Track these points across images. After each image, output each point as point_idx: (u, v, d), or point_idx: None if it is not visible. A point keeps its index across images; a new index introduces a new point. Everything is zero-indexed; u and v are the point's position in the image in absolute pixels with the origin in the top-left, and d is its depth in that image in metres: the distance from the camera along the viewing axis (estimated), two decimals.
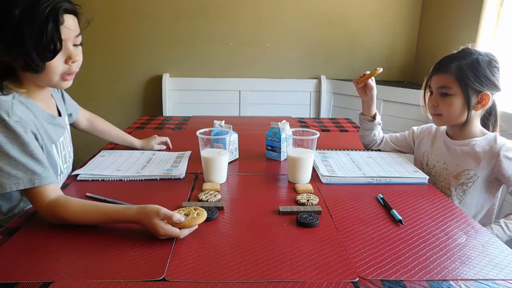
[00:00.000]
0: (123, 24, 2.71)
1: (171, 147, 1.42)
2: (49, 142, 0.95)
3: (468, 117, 1.10)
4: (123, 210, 0.81)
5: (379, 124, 1.35)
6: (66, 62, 0.88)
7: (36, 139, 0.88)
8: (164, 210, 0.77)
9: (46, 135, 0.94)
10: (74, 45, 0.89)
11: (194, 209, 0.83)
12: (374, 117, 1.34)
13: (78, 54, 0.90)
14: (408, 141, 1.37)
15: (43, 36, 0.80)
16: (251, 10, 2.72)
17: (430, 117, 1.20)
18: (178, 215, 0.78)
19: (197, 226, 0.81)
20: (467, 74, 1.06)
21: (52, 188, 0.86)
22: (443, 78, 1.10)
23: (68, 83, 0.93)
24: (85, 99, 2.79)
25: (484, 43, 2.07)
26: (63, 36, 0.83)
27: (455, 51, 1.13)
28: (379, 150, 1.39)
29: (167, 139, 1.43)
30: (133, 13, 2.70)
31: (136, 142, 1.38)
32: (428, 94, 1.19)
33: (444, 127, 1.24)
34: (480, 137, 1.13)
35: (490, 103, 1.09)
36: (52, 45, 0.82)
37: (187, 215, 0.81)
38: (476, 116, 1.13)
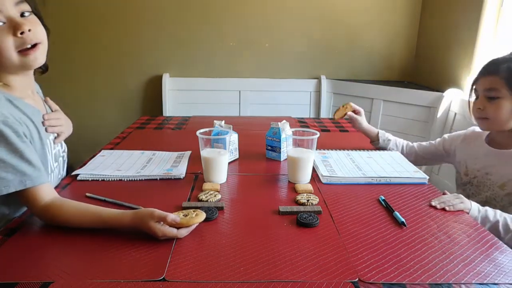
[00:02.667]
0: (123, 24, 2.71)
1: None
2: (38, 138, 0.92)
3: None
4: (119, 217, 0.79)
5: (389, 140, 1.38)
6: (14, 34, 0.80)
7: (25, 136, 0.84)
8: (158, 212, 0.76)
9: (35, 130, 0.90)
10: (22, 16, 0.82)
11: (193, 211, 0.83)
12: (377, 138, 1.38)
13: (25, 23, 0.81)
14: (439, 149, 1.33)
15: None
16: (251, 10, 2.72)
17: (475, 121, 1.15)
18: (172, 215, 0.77)
19: (195, 226, 0.81)
20: None
21: (46, 189, 0.84)
22: (491, 80, 1.07)
23: (35, 58, 0.85)
24: (85, 99, 2.81)
25: (484, 43, 2.07)
26: None
27: (504, 55, 1.09)
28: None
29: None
30: (133, 14, 2.69)
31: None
32: (473, 98, 1.15)
33: (482, 134, 1.20)
34: None
35: None
36: None
37: (185, 216, 0.81)
38: None
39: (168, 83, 2.76)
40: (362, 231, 0.83)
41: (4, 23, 0.79)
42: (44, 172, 0.85)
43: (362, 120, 1.40)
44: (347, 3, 2.72)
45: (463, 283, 0.66)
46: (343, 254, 0.74)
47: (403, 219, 0.87)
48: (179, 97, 2.81)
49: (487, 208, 0.99)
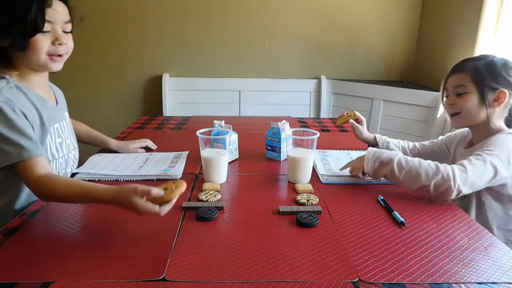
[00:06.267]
0: (123, 24, 2.71)
1: (154, 147, 1.40)
2: (40, 124, 0.98)
3: (487, 115, 1.09)
4: (103, 191, 0.81)
5: (388, 142, 1.40)
6: (53, 43, 0.95)
7: (26, 118, 0.93)
8: (141, 187, 0.76)
9: (37, 116, 0.98)
10: (64, 31, 0.97)
11: (173, 182, 0.80)
12: (376, 142, 1.40)
13: (65, 38, 0.97)
14: (442, 148, 1.35)
15: (26, 14, 0.88)
16: (251, 10, 2.72)
17: (450, 120, 1.19)
18: (156, 189, 0.75)
19: (176, 199, 0.79)
20: (482, 72, 1.07)
21: (41, 162, 0.90)
22: (459, 77, 1.12)
23: (57, 65, 0.99)
24: (85, 99, 2.81)
25: (484, 43, 2.07)
26: (49, 18, 0.92)
27: (472, 56, 1.15)
28: None
29: (147, 141, 1.40)
30: (134, 13, 2.69)
31: (111, 142, 1.36)
32: (445, 98, 1.19)
33: (468, 135, 1.22)
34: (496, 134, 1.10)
35: (508, 101, 1.07)
36: (35, 24, 0.89)
37: (165, 189, 0.78)
38: (496, 116, 1.10)
39: (168, 83, 2.76)
40: (362, 231, 0.83)
41: (49, 32, 0.94)
42: (41, 147, 0.92)
43: (364, 129, 1.43)
44: (347, 3, 2.72)
45: (463, 283, 0.66)
46: (343, 254, 0.74)
47: (402, 219, 0.87)
48: (179, 97, 2.81)
49: (384, 150, 1.06)
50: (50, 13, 0.92)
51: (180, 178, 0.84)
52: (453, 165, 0.96)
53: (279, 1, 2.71)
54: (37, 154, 0.89)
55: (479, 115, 1.10)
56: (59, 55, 0.98)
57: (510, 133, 1.08)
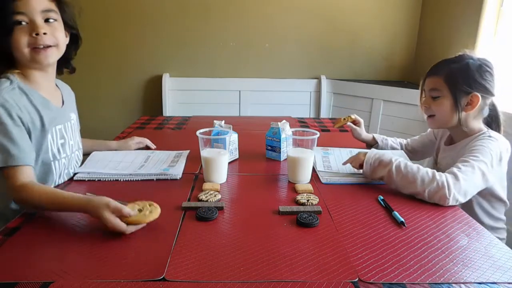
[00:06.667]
0: (124, 24, 2.71)
1: (153, 147, 1.40)
2: (40, 125, 0.99)
3: (460, 119, 1.12)
4: (77, 201, 0.83)
5: (386, 139, 1.44)
6: (30, 34, 0.93)
7: (22, 122, 0.93)
8: (114, 203, 0.78)
9: (38, 118, 0.98)
10: (47, 21, 0.95)
11: (149, 205, 0.82)
12: (375, 141, 1.43)
13: (44, 28, 0.94)
14: (431, 139, 1.38)
15: None
16: (251, 10, 2.72)
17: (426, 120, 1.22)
18: (127, 209, 0.78)
19: (145, 224, 0.81)
20: (456, 76, 1.10)
21: (26, 171, 0.91)
22: (434, 81, 1.14)
23: (45, 57, 0.96)
24: (85, 99, 2.80)
25: (484, 43, 2.07)
26: (21, 9, 0.90)
27: (451, 57, 1.16)
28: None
29: (146, 140, 1.40)
30: (134, 13, 2.69)
31: (112, 144, 1.36)
32: (423, 97, 1.22)
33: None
34: (473, 135, 1.13)
35: (482, 104, 1.10)
36: (4, 19, 0.89)
37: (140, 210, 0.80)
38: (471, 118, 1.13)
39: (168, 83, 2.76)
40: (362, 231, 0.83)
41: (26, 23, 0.92)
42: (30, 155, 0.93)
43: (362, 131, 1.45)
44: (347, 3, 2.72)
45: (463, 283, 0.66)
46: (343, 254, 0.74)
47: (402, 219, 0.87)
48: (179, 97, 2.80)
49: (385, 152, 1.08)
50: (20, 4, 0.90)
51: (155, 207, 0.84)
52: (446, 174, 0.98)
53: (279, 1, 2.71)
54: (23, 163, 0.90)
55: (452, 119, 1.13)
56: (46, 47, 0.95)
57: (490, 136, 1.09)
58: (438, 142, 1.32)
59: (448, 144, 1.24)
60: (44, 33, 0.94)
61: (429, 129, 1.41)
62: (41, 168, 1.01)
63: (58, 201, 0.85)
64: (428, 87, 1.16)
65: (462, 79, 1.09)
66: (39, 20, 0.93)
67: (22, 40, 0.93)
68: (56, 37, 0.97)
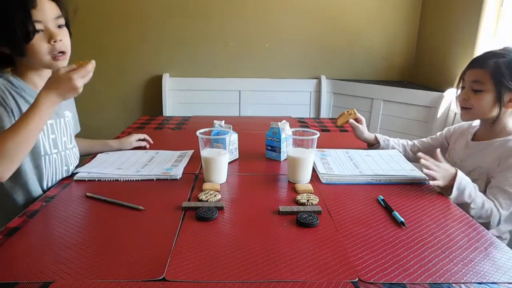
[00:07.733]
0: (124, 24, 2.71)
1: (151, 142, 1.43)
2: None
3: (499, 114, 1.10)
4: (33, 112, 0.87)
5: (388, 140, 1.42)
6: (49, 41, 0.97)
7: (5, 103, 0.96)
8: (63, 69, 0.89)
9: (24, 106, 0.99)
10: (58, 27, 0.99)
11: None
12: (377, 141, 1.41)
13: (59, 34, 0.99)
14: (443, 143, 1.36)
15: (14, 24, 0.91)
16: (251, 10, 2.72)
17: (459, 111, 1.20)
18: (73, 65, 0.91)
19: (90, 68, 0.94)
20: (503, 71, 1.06)
21: None
22: (478, 73, 1.11)
23: (62, 63, 1.02)
24: (85, 99, 2.79)
25: (484, 43, 2.07)
26: (38, 18, 0.94)
27: (496, 49, 1.13)
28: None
29: (145, 135, 1.43)
30: (134, 13, 2.69)
31: (112, 143, 1.37)
32: (460, 89, 1.19)
33: (475, 128, 1.24)
34: (506, 137, 1.11)
35: None
36: (25, 30, 0.92)
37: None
38: (507, 116, 1.11)
39: (168, 83, 2.76)
40: (362, 231, 0.83)
41: (42, 31, 0.96)
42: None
43: (364, 129, 1.43)
44: (347, 3, 2.72)
45: (463, 283, 0.66)
46: (343, 254, 0.74)
47: (402, 219, 0.87)
48: (179, 97, 2.80)
49: (468, 187, 1.03)
50: (37, 14, 0.93)
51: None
52: (494, 211, 1.03)
53: (279, 1, 2.71)
54: None
55: (490, 113, 1.11)
56: (61, 53, 1.00)
57: None
58: (453, 144, 1.30)
59: (474, 139, 1.21)
60: (60, 40, 0.99)
61: (439, 133, 1.39)
62: (32, 161, 1.02)
63: (19, 124, 0.86)
64: (470, 79, 1.13)
65: (509, 74, 1.06)
66: (54, 27, 0.98)
67: (43, 48, 0.97)
68: (67, 42, 1.02)
